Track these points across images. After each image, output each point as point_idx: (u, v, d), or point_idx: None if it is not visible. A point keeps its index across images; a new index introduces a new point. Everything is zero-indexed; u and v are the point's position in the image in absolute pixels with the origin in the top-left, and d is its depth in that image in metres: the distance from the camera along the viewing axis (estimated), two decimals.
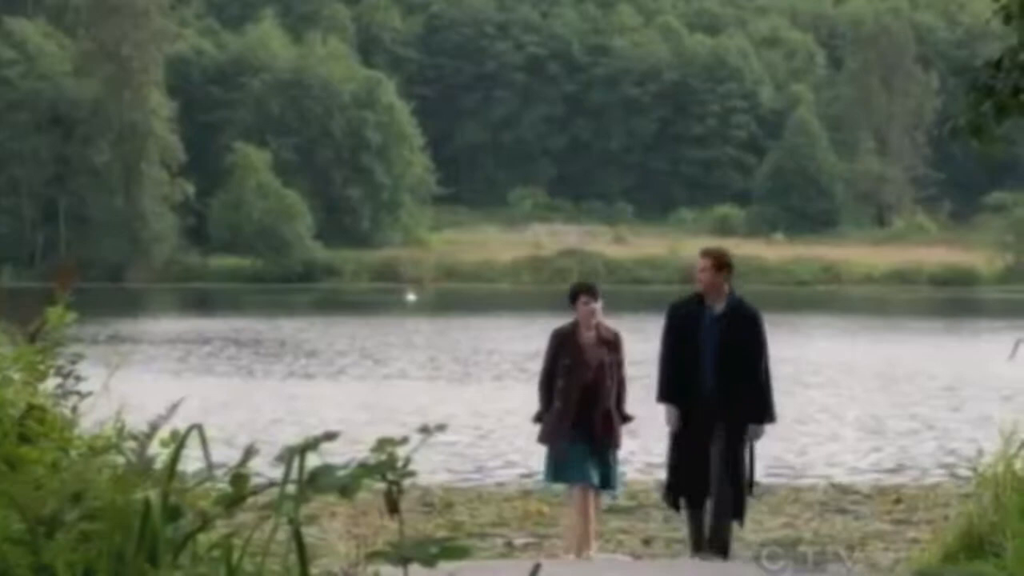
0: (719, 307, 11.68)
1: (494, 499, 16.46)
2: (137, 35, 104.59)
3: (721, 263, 11.80)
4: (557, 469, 12.19)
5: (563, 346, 12.10)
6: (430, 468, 19.93)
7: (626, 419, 12.25)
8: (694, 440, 11.56)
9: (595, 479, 12.07)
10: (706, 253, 12.04)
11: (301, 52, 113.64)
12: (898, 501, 16.64)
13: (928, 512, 15.58)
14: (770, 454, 23.00)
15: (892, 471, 20.99)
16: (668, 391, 11.65)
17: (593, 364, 12.00)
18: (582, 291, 12.29)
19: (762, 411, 11.70)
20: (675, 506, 11.94)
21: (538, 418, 12.26)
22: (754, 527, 14.76)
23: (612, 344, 12.20)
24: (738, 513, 11.82)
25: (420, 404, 28.88)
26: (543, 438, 12.21)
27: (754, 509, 15.99)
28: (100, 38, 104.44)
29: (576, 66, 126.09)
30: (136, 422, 4.98)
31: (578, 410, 11.97)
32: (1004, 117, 8.87)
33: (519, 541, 13.76)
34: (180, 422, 4.47)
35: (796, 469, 21.15)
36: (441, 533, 14.13)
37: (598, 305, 12.16)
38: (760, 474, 20.21)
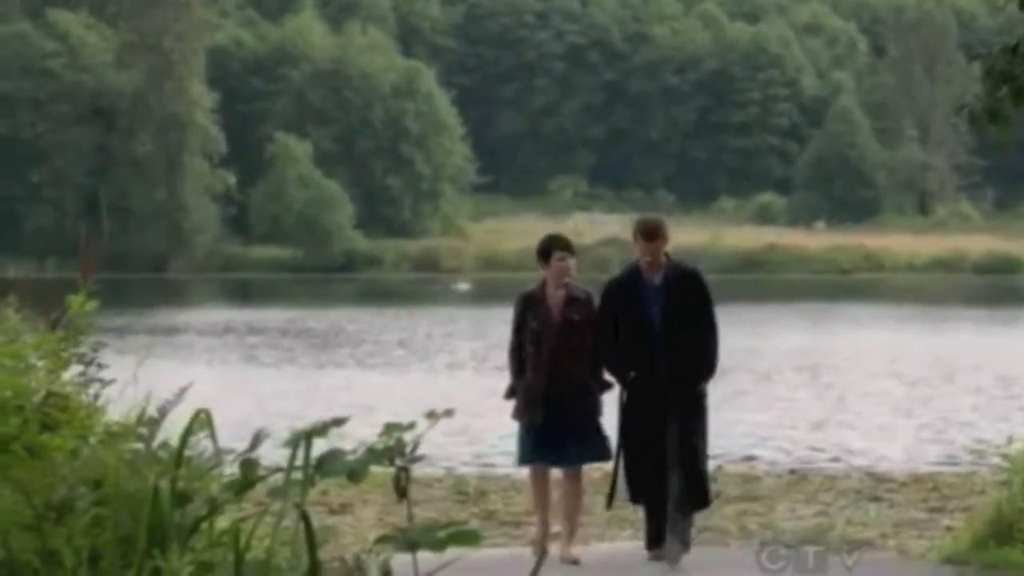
0: (658, 278, 10.88)
1: (528, 487, 16.44)
2: (178, 26, 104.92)
3: (666, 234, 11.04)
4: (532, 449, 11.11)
5: (529, 309, 11.00)
6: (466, 457, 19.99)
7: (604, 386, 11.06)
8: (649, 431, 10.73)
9: (572, 459, 11.03)
10: (653, 227, 11.04)
11: (341, 42, 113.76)
12: (934, 489, 16.57)
13: (964, 500, 15.50)
14: (808, 441, 23.02)
15: (929, 459, 20.92)
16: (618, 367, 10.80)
17: (563, 325, 10.90)
18: (557, 246, 11.15)
19: (705, 371, 10.85)
20: (635, 501, 11.14)
21: (510, 393, 11.17)
22: (787, 515, 14.73)
23: (584, 303, 11.05)
24: (702, 502, 11.06)
25: (471, 393, 28.87)
26: (516, 414, 11.12)
27: (789, 497, 15.96)
28: (141, 30, 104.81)
29: (616, 55, 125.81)
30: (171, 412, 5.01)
31: (550, 377, 10.87)
32: (1021, 102, 8.80)
33: (552, 529, 13.74)
34: (234, 412, 4.49)
35: (833, 456, 21.12)
36: (474, 522, 14.16)
37: (573, 262, 11.13)
38: (797, 461, 20.32)
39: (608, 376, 11.07)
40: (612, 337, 10.87)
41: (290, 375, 35.20)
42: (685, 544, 10.98)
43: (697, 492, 10.93)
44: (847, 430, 24.73)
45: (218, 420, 4.50)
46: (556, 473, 11.50)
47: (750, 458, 20.62)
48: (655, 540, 11.05)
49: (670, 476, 10.81)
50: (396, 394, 29.43)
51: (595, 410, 11.05)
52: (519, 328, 11.06)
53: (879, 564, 11.61)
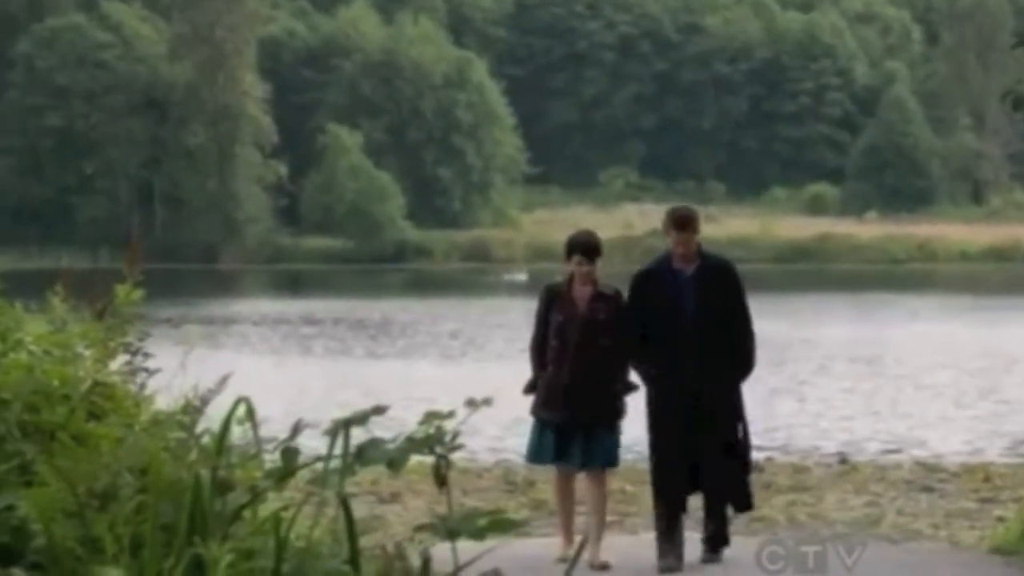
0: (691, 268, 10.40)
1: (576, 477, 16.42)
2: (230, 18, 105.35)
3: (697, 225, 10.54)
4: (542, 447, 10.61)
5: (554, 302, 10.51)
6: (520, 447, 19.97)
7: (628, 388, 10.54)
8: (677, 430, 10.26)
9: (590, 459, 10.51)
10: (684, 217, 10.55)
11: (392, 33, 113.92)
12: (986, 479, 16.46)
13: (1016, 490, 15.39)
14: (865, 432, 22.93)
15: (987, 450, 20.82)
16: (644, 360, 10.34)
17: (589, 321, 10.40)
18: (576, 249, 10.52)
19: (742, 369, 10.43)
20: (657, 499, 10.56)
21: (531, 387, 10.66)
22: (837, 505, 14.66)
23: (612, 301, 10.51)
24: (743, 501, 10.52)
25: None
26: (535, 409, 10.62)
27: (839, 488, 15.88)
28: (194, 21, 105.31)
29: (667, 44, 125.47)
30: (220, 400, 5.03)
31: (573, 373, 10.39)
32: None
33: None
34: (289, 403, 4.50)
35: (893, 448, 21.04)
36: (523, 511, 14.17)
37: (593, 268, 10.50)
38: (856, 451, 20.24)
39: (633, 377, 10.57)
40: (639, 329, 10.43)
41: (345, 366, 35.29)
42: (719, 544, 10.54)
43: (737, 492, 10.46)
44: (904, 421, 24.63)
45: (271, 411, 4.52)
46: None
47: (807, 449, 20.58)
48: (667, 541, 10.41)
49: (701, 477, 10.39)
50: (451, 384, 29.46)
51: (616, 412, 10.54)
52: (543, 321, 10.57)
53: (929, 554, 11.56)
